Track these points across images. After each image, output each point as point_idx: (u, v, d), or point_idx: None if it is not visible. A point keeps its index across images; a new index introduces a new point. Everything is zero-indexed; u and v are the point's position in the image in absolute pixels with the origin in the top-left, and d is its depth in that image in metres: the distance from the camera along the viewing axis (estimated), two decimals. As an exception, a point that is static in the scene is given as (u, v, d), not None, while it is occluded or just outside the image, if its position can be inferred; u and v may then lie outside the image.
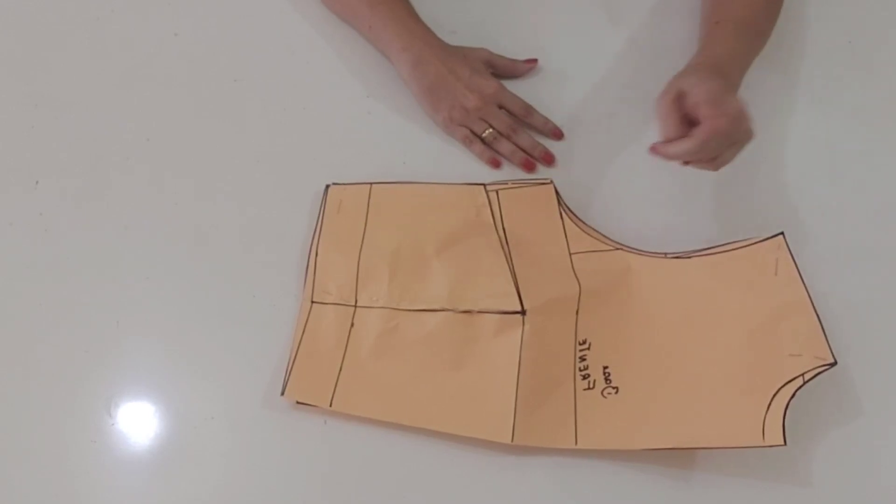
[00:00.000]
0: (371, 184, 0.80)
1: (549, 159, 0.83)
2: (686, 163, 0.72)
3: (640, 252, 0.76)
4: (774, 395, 0.65)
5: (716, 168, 0.72)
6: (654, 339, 0.72)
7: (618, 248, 0.77)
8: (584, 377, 0.70)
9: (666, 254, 0.76)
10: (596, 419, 0.68)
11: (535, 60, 0.89)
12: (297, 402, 0.70)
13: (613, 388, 0.70)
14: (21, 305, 0.75)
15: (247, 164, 0.83)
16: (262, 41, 0.91)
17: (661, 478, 0.67)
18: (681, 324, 0.72)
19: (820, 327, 0.68)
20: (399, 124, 0.86)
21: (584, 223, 0.78)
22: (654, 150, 0.71)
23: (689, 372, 0.69)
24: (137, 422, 0.70)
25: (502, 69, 0.88)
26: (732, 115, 0.69)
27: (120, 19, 0.92)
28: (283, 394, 0.70)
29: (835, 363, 0.66)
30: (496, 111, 0.84)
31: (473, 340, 0.71)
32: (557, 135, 0.85)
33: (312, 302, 0.74)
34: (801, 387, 0.65)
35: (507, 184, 0.80)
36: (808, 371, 0.66)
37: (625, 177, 0.83)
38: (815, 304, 0.69)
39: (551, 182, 0.80)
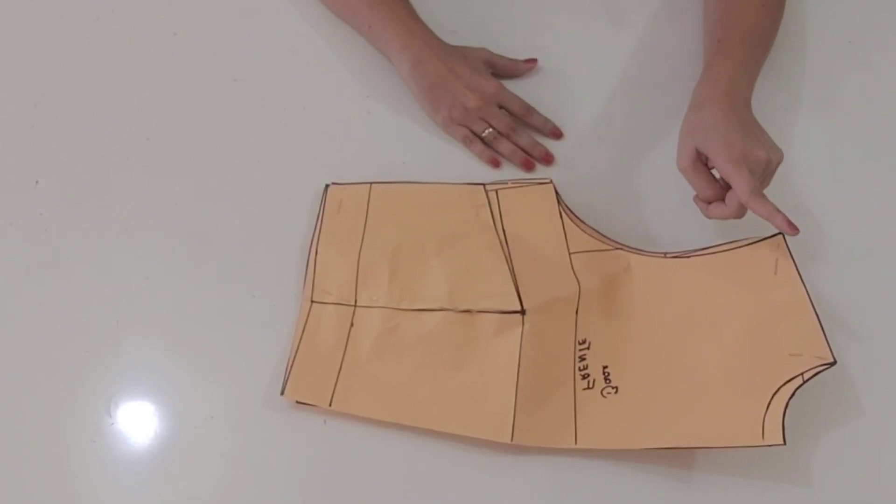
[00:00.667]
0: (371, 183, 0.80)
1: (548, 159, 0.83)
2: None
3: (639, 252, 0.76)
4: (774, 395, 0.65)
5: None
6: (653, 339, 0.72)
7: (617, 248, 0.77)
8: (584, 377, 0.70)
9: (665, 254, 0.76)
10: (596, 419, 0.68)
11: (535, 60, 0.89)
12: (297, 402, 0.70)
13: (613, 387, 0.70)
14: (21, 305, 0.75)
15: (247, 163, 0.83)
16: (262, 41, 0.91)
17: (661, 478, 0.67)
18: (680, 323, 0.72)
19: (819, 327, 0.68)
20: (399, 124, 0.86)
21: (583, 223, 0.78)
22: (699, 206, 0.75)
23: (689, 372, 0.69)
24: (137, 422, 0.70)
25: (502, 69, 0.88)
26: (759, 170, 0.70)
27: (120, 19, 0.92)
28: (282, 393, 0.70)
29: (834, 363, 0.66)
30: (496, 111, 0.84)
31: (473, 340, 0.71)
32: (557, 135, 0.85)
33: (312, 302, 0.74)
34: (800, 386, 0.65)
35: (506, 184, 0.80)
36: (808, 370, 0.66)
37: (625, 177, 0.83)
38: (814, 304, 0.69)
39: (551, 182, 0.80)
